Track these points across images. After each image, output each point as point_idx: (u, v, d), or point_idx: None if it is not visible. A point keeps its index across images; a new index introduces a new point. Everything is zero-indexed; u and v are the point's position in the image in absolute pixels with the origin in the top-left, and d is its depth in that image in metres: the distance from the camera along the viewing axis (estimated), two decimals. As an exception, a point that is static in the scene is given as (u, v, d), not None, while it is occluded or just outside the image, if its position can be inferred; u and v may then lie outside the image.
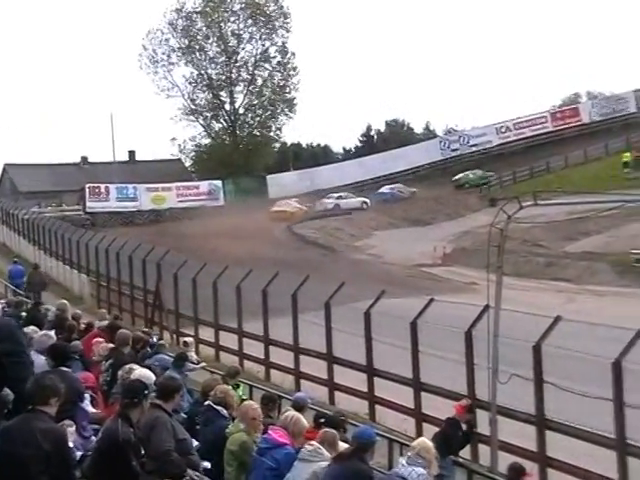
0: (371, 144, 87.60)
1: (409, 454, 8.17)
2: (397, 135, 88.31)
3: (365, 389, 18.58)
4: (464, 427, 14.01)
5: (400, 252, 50.08)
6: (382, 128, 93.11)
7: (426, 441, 8.40)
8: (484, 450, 14.58)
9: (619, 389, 12.94)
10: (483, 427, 14.56)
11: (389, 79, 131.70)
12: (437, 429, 14.23)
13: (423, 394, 16.89)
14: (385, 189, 68.99)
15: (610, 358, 13.06)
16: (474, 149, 76.73)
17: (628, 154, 65.52)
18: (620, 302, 35.52)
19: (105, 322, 16.44)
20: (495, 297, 13.74)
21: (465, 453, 14.54)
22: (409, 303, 20.20)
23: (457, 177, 70.71)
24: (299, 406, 10.42)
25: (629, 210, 42.49)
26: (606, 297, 37.36)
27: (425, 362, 17.03)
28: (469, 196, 66.22)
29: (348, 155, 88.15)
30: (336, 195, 67.15)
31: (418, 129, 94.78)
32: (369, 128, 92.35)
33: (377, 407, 18.15)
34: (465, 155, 76.39)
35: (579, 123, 77.37)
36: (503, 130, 77.31)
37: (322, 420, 10.13)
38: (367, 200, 66.42)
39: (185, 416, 10.45)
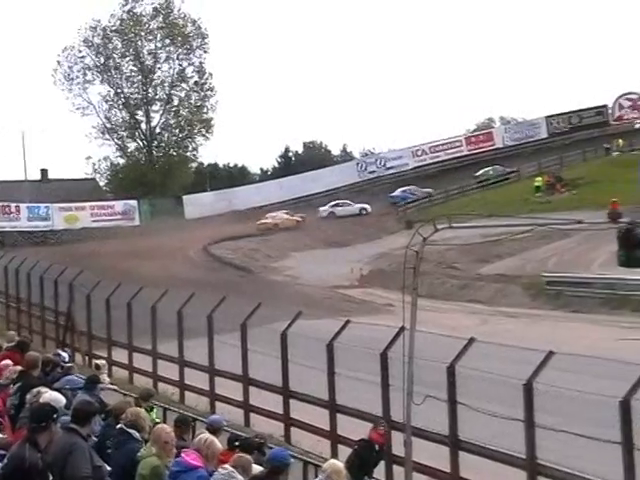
0: (289, 165, 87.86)
1: (320, 477, 8.13)
2: (315, 157, 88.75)
3: (281, 411, 18.47)
4: (377, 447, 14.02)
5: (317, 273, 50.17)
6: (300, 149, 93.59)
7: (337, 463, 8.37)
8: (399, 471, 14.61)
9: (530, 410, 13.11)
10: (398, 448, 14.59)
11: (307, 101, 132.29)
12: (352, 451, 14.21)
13: (339, 416, 16.87)
14: (398, 191, 69.86)
15: (522, 379, 13.22)
16: (391, 171, 77.49)
17: (540, 179, 66.95)
18: (532, 324, 36.17)
19: (13, 344, 16.01)
20: (410, 319, 13.80)
21: (380, 474, 14.55)
22: (325, 324, 20.22)
23: (479, 173, 71.99)
24: (214, 429, 10.28)
25: (541, 233, 43.38)
26: (518, 319, 37.98)
27: (341, 384, 17.03)
28: (386, 218, 66.78)
29: (266, 176, 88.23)
30: (332, 203, 68.07)
31: (335, 151, 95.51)
32: (287, 149, 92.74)
33: (292, 429, 18.07)
34: (382, 177, 77.11)
35: (493, 147, 78.82)
36: (419, 153, 78.29)
37: (236, 443, 10.02)
38: (366, 206, 67.42)
39: (96, 439, 10.21)
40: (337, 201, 68.33)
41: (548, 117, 78.98)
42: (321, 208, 67.49)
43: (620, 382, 11.96)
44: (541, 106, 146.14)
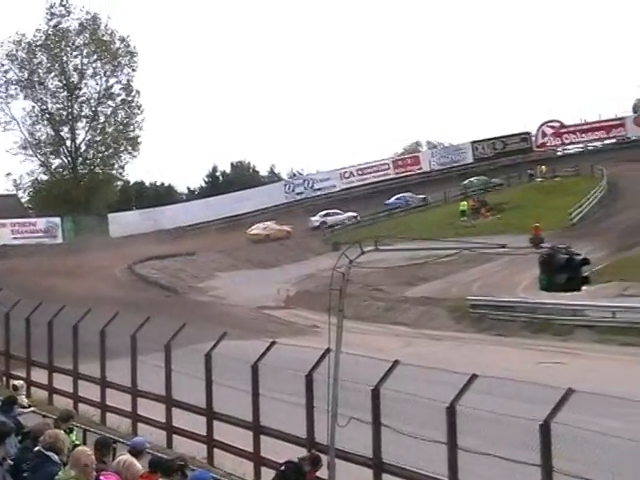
0: (216, 185, 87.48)
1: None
2: (242, 177, 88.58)
3: (204, 432, 18.29)
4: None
5: (243, 294, 49.96)
6: (227, 169, 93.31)
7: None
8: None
9: (453, 432, 13.20)
10: (321, 470, 14.54)
11: (235, 121, 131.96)
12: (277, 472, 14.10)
13: (263, 437, 16.76)
14: (393, 199, 71.35)
15: (445, 402, 13.31)
16: (318, 193, 77.77)
17: (465, 203, 67.90)
18: (456, 347, 36.51)
19: None
20: (336, 340, 13.81)
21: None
22: (251, 345, 20.10)
23: (463, 183, 73.23)
24: (136, 451, 10.12)
25: (466, 257, 43.91)
26: (443, 342, 38.30)
27: (266, 405, 16.93)
28: (313, 240, 66.91)
29: (193, 195, 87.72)
30: (323, 212, 69.30)
31: (263, 172, 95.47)
32: (214, 169, 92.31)
33: (215, 450, 17.89)
34: (309, 199, 77.33)
35: (420, 171, 79.70)
36: (347, 175, 78.75)
37: (157, 465, 9.87)
38: (355, 214, 69.14)
39: (11, 463, 9.94)
40: (327, 210, 69.90)
41: (474, 142, 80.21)
42: (312, 218, 69.26)
43: (540, 405, 12.12)
44: (467, 131, 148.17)
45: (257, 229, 66.24)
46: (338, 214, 69.40)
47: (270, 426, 16.68)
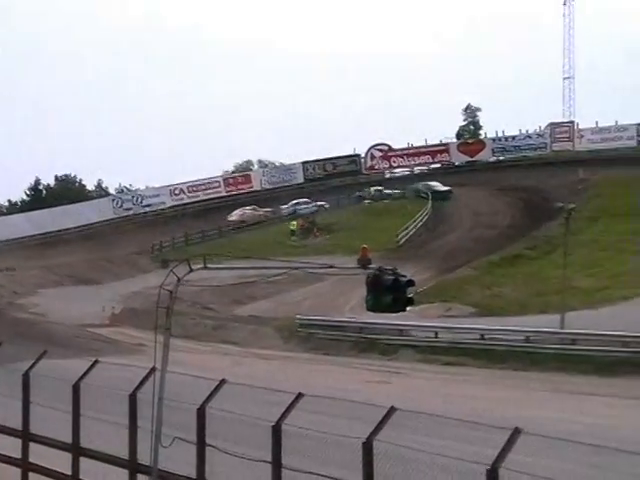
0: (39, 198, 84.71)
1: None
2: (68, 191, 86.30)
3: (19, 455, 17.52)
4: None
5: (66, 311, 48.46)
6: (52, 182, 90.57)
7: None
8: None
9: (278, 452, 13.18)
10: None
11: (59, 133, 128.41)
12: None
13: (83, 459, 16.22)
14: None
15: (271, 421, 13.28)
16: (148, 209, 76.72)
17: (295, 222, 68.55)
18: (284, 366, 36.65)
19: None
20: (162, 359, 13.57)
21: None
22: (73, 364, 19.46)
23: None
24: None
25: (295, 277, 44.20)
26: (271, 361, 38.37)
27: (88, 426, 16.40)
28: (140, 257, 65.84)
29: (14, 209, 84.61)
30: (294, 202, 72.62)
31: (90, 186, 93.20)
32: (37, 182, 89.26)
33: (31, 475, 17.17)
34: (138, 215, 76.16)
35: (251, 189, 79.94)
36: (177, 192, 78.08)
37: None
38: (324, 203, 72.39)
39: None
40: (298, 200, 72.81)
41: (304, 163, 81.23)
42: (283, 206, 72.31)
43: (365, 424, 12.25)
44: (298, 152, 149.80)
45: (232, 216, 70.10)
46: (308, 203, 72.01)
47: (90, 447, 16.16)
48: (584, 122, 77.67)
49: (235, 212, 69.38)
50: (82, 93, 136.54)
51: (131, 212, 76.29)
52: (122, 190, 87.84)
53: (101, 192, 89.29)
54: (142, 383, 15.14)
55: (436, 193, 70.17)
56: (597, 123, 76.57)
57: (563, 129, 77.67)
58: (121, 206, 76.76)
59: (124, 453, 15.35)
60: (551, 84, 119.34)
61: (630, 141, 74.59)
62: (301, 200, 72.46)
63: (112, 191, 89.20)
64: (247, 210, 70.79)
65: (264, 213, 71.02)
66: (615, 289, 46.09)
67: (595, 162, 70.52)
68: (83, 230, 72.34)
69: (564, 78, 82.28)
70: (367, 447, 11.94)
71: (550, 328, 36.09)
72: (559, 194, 57.66)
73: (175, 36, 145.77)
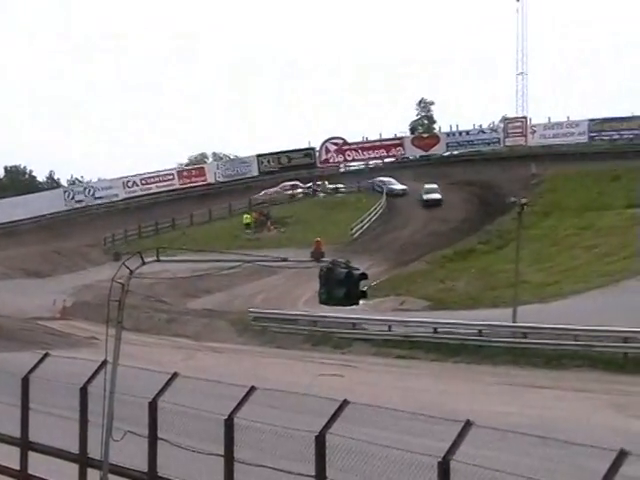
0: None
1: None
2: (18, 182, 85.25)
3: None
4: None
5: (15, 304, 47.84)
6: (1, 174, 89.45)
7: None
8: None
9: (230, 445, 13.14)
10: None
11: (8, 124, 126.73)
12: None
13: (32, 454, 16.02)
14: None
15: (224, 414, 13.23)
16: (100, 201, 76.03)
17: (249, 216, 68.34)
18: (237, 359, 36.55)
19: None
20: (113, 352, 13.44)
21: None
22: (22, 358, 19.23)
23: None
24: None
25: (249, 270, 44.10)
26: (225, 354, 38.25)
27: (37, 420, 16.21)
28: (92, 250, 65.26)
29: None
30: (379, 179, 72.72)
31: (41, 178, 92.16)
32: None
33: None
34: (91, 207, 75.44)
35: (205, 182, 79.54)
36: (130, 184, 77.45)
37: None
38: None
39: None
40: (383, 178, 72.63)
41: (259, 156, 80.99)
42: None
43: (318, 417, 12.26)
44: (253, 145, 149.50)
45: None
46: (392, 184, 71.99)
47: (40, 442, 15.98)
48: (537, 118, 78.50)
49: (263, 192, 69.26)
50: (33, 82, 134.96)
51: (83, 204, 75.53)
52: (74, 182, 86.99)
53: (53, 184, 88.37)
54: (93, 376, 15.01)
55: (392, 192, 70.21)
56: (549, 119, 77.38)
57: (516, 124, 78.32)
58: (73, 198, 75.96)
59: (74, 447, 15.21)
60: (505, 80, 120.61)
61: (581, 137, 75.41)
62: (385, 179, 72.50)
63: (64, 183, 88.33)
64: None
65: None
66: (566, 283, 46.64)
67: (547, 157, 71.26)
68: (34, 222, 71.51)
69: (517, 74, 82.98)
70: (320, 440, 11.95)
71: (502, 322, 36.40)
72: (512, 189, 58.09)
73: (128, 26, 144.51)
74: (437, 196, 68.45)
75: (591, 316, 35.76)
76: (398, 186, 71.89)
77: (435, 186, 69.47)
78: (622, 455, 9.39)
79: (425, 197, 68.55)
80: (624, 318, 33.98)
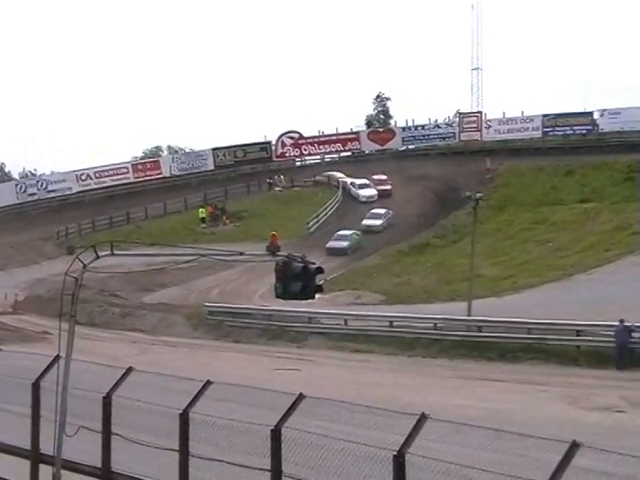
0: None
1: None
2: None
3: None
4: None
5: (-35, 299, 47.21)
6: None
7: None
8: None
9: (185, 439, 13.09)
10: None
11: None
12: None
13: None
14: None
15: (179, 409, 13.16)
16: (53, 195, 75.18)
17: (204, 210, 67.99)
18: (193, 353, 36.44)
19: None
20: (67, 347, 13.31)
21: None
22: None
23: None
24: None
25: (205, 264, 43.88)
26: (179, 348, 38.09)
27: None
28: (45, 243, 64.56)
29: None
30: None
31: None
32: None
33: None
34: (43, 200, 74.59)
35: (160, 176, 78.96)
36: (84, 178, 76.61)
37: None
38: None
39: None
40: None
41: (215, 149, 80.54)
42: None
43: (274, 411, 12.24)
44: (208, 138, 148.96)
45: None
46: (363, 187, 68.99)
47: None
48: (492, 112, 78.96)
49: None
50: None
51: (36, 197, 74.61)
52: (26, 175, 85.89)
53: (4, 177, 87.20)
54: (46, 371, 14.86)
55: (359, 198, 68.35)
56: (504, 114, 77.95)
57: (471, 119, 78.74)
58: (25, 191, 74.98)
59: (26, 444, 15.04)
60: (460, 75, 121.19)
61: (536, 132, 76.00)
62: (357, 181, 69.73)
63: (15, 176, 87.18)
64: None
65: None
66: (520, 277, 47.10)
67: (502, 152, 71.77)
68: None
69: (472, 69, 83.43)
70: (275, 434, 11.94)
71: (457, 315, 36.65)
72: (467, 183, 58.47)
73: (81, 14, 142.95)
74: (377, 222, 62.39)
75: (544, 310, 36.17)
76: (367, 192, 68.33)
77: (382, 211, 63.70)
78: (574, 447, 9.51)
79: (365, 222, 62.39)
80: (577, 312, 34.40)
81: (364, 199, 67.17)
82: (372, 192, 68.12)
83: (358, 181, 69.24)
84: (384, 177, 69.55)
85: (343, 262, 54.54)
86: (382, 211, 63.99)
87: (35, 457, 14.90)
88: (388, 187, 68.58)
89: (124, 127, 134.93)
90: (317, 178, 73.50)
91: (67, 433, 13.43)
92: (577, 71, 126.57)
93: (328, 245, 57.89)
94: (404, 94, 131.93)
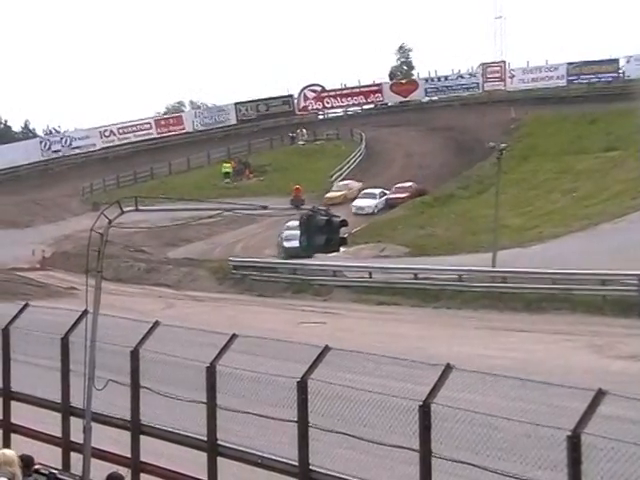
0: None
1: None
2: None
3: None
4: None
5: (-6, 255, 47.64)
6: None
7: (6, 453, 8.03)
8: (77, 458, 14.15)
9: (212, 392, 13.21)
10: (77, 435, 14.15)
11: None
12: (27, 438, 13.60)
13: (15, 403, 16.06)
14: None
15: (206, 362, 13.28)
16: (77, 151, 75.36)
17: (228, 165, 67.95)
18: (218, 308, 36.69)
19: None
20: (94, 302, 13.42)
21: (57, 463, 14.06)
22: (2, 309, 19.19)
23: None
24: None
25: (229, 219, 44.09)
26: (205, 303, 38.35)
27: (19, 371, 16.22)
28: (71, 200, 64.88)
29: None
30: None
31: (17, 127, 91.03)
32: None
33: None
34: (68, 157, 74.79)
35: (183, 131, 78.93)
36: (107, 134, 76.73)
37: None
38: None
39: None
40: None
41: (237, 104, 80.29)
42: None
43: (300, 364, 12.32)
44: (231, 93, 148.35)
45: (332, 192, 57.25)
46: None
47: (22, 392, 16.01)
48: (515, 62, 78.06)
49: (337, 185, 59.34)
50: (5, 32, 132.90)
51: (60, 154, 74.81)
52: (50, 132, 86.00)
53: (28, 134, 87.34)
54: (74, 326, 15.00)
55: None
56: (528, 63, 77.02)
57: (494, 69, 77.89)
58: (49, 148, 75.20)
59: (57, 397, 15.25)
60: (483, 24, 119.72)
61: (560, 80, 75.13)
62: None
63: (40, 133, 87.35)
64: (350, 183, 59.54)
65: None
66: (545, 227, 46.85)
67: (526, 101, 71.04)
68: (9, 173, 70.84)
69: (495, 18, 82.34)
70: (302, 386, 12.02)
71: (482, 267, 36.61)
72: (491, 134, 57.92)
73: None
74: (369, 203, 54.96)
75: (570, 259, 36.03)
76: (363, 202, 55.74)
77: (377, 191, 56.29)
78: (600, 395, 9.51)
79: (356, 203, 55.03)
80: (602, 261, 34.27)
81: (355, 209, 53.70)
82: (370, 203, 55.36)
83: (368, 190, 57.10)
84: (408, 184, 57.48)
85: (366, 215, 54.39)
86: (377, 191, 56.31)
87: (66, 410, 15.12)
88: (404, 195, 56.32)
89: (146, 83, 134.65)
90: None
91: (96, 387, 13.60)
92: (602, 17, 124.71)
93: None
94: (427, 45, 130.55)
